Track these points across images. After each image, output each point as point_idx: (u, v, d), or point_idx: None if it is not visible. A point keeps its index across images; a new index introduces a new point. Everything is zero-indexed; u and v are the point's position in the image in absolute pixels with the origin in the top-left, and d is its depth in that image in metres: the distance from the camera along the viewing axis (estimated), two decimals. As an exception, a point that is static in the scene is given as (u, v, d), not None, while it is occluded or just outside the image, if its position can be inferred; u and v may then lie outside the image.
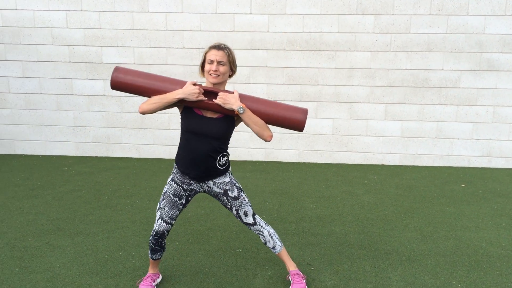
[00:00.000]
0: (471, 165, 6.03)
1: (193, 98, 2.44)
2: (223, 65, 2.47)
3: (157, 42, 6.06)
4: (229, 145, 2.64)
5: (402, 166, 6.02)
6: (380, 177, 5.43)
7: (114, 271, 2.95)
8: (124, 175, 5.34)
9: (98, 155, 6.38)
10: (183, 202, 2.63)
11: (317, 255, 3.24)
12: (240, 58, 6.00)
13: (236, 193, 2.63)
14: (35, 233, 3.56)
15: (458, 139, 6.00)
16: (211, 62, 2.47)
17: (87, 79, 6.19)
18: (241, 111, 2.41)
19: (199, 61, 6.02)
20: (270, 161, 6.20)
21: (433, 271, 3.00)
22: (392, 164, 6.11)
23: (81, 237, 3.50)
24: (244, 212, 2.65)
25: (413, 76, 5.88)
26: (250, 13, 5.90)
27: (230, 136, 2.62)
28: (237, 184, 2.67)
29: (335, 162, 6.17)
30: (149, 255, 2.69)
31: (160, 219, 2.57)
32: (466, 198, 4.62)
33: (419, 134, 6.03)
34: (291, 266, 2.78)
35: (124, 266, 3.03)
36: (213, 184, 2.62)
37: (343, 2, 5.76)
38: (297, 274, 2.75)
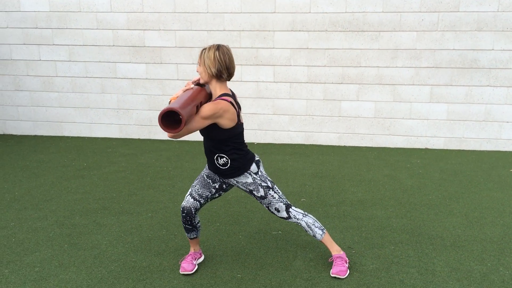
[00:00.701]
0: (522, 150, 5.76)
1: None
2: (199, 65, 2.51)
3: (198, 25, 6.08)
4: (236, 147, 2.54)
5: (447, 150, 5.83)
6: (424, 161, 5.28)
7: (158, 250, 3.03)
8: (166, 157, 5.45)
9: (141, 137, 6.53)
10: (216, 186, 2.67)
11: (358, 239, 3.20)
12: (280, 40, 5.94)
13: (263, 193, 2.63)
14: (83, 212, 3.70)
15: (508, 122, 5.73)
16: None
17: (130, 62, 6.31)
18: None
19: (240, 44, 6.02)
20: (310, 144, 6.15)
21: (479, 257, 2.91)
22: (436, 148, 5.92)
23: (126, 216, 3.61)
24: (275, 209, 2.67)
25: (461, 57, 5.64)
26: (291, -6, 5.81)
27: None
28: (263, 184, 2.62)
29: (376, 146, 6.05)
30: (186, 234, 2.79)
31: (188, 195, 2.66)
32: (516, 183, 4.43)
33: (466, 117, 5.81)
34: (334, 251, 2.77)
35: (167, 245, 3.11)
36: (237, 183, 2.65)
37: (388, -20, 5.57)
38: (340, 257, 2.74)
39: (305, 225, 2.70)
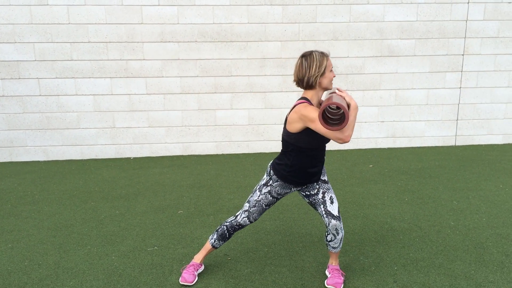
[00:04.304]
0: (378, 146, 6.39)
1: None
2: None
3: (59, 37, 5.72)
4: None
5: (316, 151, 6.23)
6: (296, 163, 5.58)
7: (19, 283, 2.77)
8: (30, 180, 5.02)
9: (0, 161, 5.93)
10: (270, 206, 2.75)
11: (234, 245, 3.27)
12: (150, 51, 5.85)
13: (326, 178, 2.69)
14: None
15: (366, 122, 6.33)
16: (332, 70, 2.49)
17: (-18, 79, 5.71)
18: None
19: (107, 56, 5.78)
20: (188, 155, 6.14)
21: (343, 249, 3.15)
22: (307, 150, 6.30)
23: (-19, 250, 3.24)
24: (330, 198, 2.59)
25: (321, 64, 6.08)
26: (158, 5, 5.76)
27: None
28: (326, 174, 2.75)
29: (252, 152, 6.25)
30: (212, 241, 2.77)
31: (246, 218, 2.70)
32: (374, 177, 4.90)
33: (330, 120, 6.27)
34: (334, 262, 2.77)
35: (29, 276, 2.85)
36: (317, 180, 2.67)
37: (251, -8, 5.81)
38: (337, 269, 2.75)
39: (341, 237, 2.64)
